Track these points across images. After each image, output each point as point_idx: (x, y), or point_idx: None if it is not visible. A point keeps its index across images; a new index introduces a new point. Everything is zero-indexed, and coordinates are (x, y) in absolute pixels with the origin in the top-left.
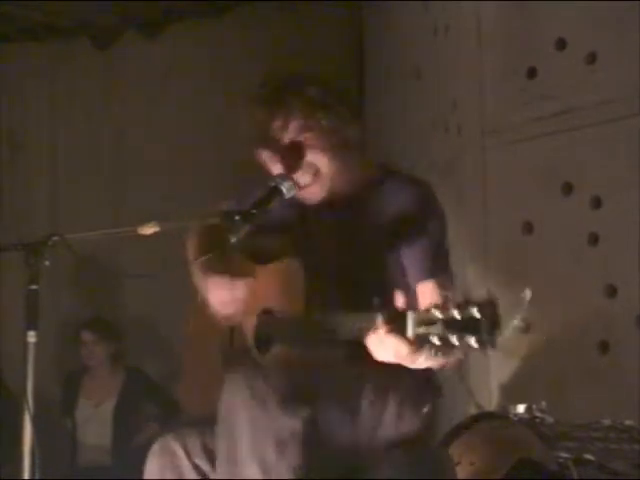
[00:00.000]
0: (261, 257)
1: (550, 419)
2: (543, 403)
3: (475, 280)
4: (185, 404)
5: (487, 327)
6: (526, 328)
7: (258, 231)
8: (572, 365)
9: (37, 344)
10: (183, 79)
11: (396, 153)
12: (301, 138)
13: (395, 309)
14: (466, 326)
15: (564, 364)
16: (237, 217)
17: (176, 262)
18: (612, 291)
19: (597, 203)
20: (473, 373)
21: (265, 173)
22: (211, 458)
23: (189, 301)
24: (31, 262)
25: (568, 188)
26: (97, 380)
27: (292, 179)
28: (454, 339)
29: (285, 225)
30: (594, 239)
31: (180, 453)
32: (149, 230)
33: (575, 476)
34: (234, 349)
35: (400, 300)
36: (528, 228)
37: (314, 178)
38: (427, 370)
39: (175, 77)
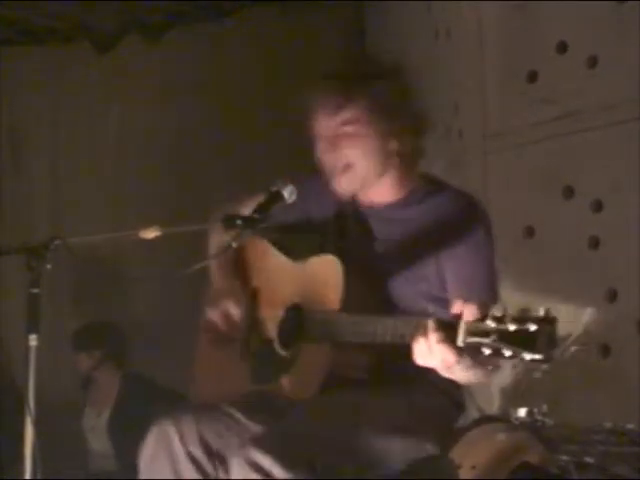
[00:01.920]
0: (293, 250)
1: (551, 422)
2: (544, 406)
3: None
4: (197, 392)
5: (544, 343)
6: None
7: (287, 220)
8: (573, 368)
9: (38, 347)
10: (184, 82)
11: None
12: (348, 129)
13: (447, 317)
14: (522, 340)
15: (565, 368)
16: (239, 221)
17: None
18: (613, 295)
19: (598, 207)
20: None
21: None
22: (206, 448)
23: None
24: (33, 265)
25: (569, 192)
26: (99, 388)
27: (293, 183)
28: (507, 352)
29: (324, 222)
30: (595, 243)
31: (175, 440)
32: (151, 234)
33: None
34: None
35: (455, 309)
36: (529, 232)
37: (345, 171)
38: (454, 387)
39: (176, 80)
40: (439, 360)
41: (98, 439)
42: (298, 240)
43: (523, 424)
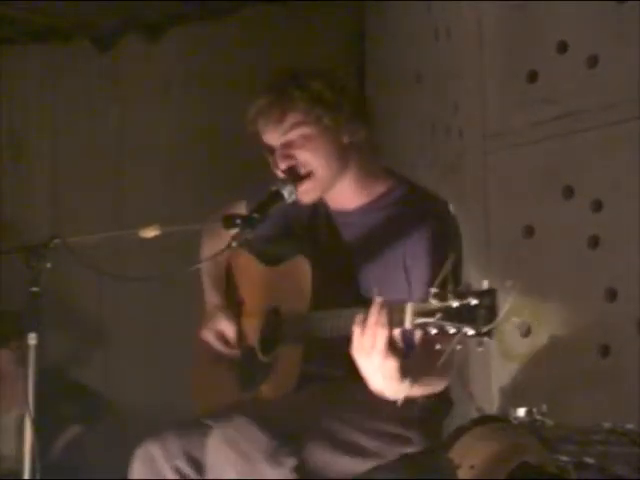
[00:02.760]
0: (272, 258)
1: (550, 422)
2: (544, 406)
3: (476, 284)
4: (195, 405)
5: (485, 316)
6: (526, 332)
7: (270, 232)
8: (572, 369)
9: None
10: (185, 81)
11: (396, 156)
12: (297, 134)
13: (392, 301)
14: (464, 316)
15: (564, 367)
16: (238, 221)
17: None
18: (613, 295)
19: (598, 206)
20: (474, 376)
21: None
22: (192, 460)
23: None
24: (32, 264)
25: (569, 191)
26: (5, 386)
27: (294, 183)
28: (451, 329)
29: (296, 226)
30: (595, 242)
31: (159, 457)
32: (151, 233)
33: None
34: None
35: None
36: (529, 231)
37: (307, 177)
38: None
39: (177, 79)
40: (380, 352)
41: (6, 440)
42: (278, 248)
43: (522, 424)
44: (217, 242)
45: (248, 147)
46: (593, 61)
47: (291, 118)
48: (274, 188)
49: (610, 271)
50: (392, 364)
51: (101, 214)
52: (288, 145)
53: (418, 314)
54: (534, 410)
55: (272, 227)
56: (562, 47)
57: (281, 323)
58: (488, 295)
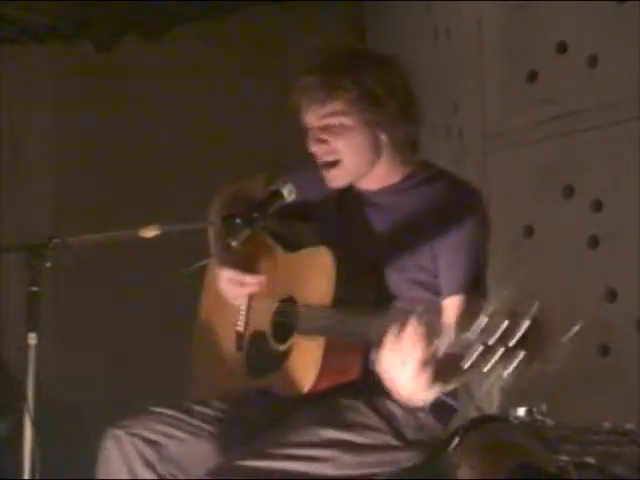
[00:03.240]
0: (292, 243)
1: (550, 422)
2: (543, 406)
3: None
4: (196, 390)
5: (521, 366)
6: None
7: (292, 216)
8: (572, 368)
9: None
10: (185, 81)
11: None
12: (335, 121)
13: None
14: (500, 358)
15: (564, 367)
16: (238, 220)
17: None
18: (612, 294)
19: (598, 206)
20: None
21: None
22: (156, 449)
23: None
24: (32, 264)
25: (569, 191)
26: None
27: (293, 183)
28: (484, 367)
29: (323, 211)
30: (595, 242)
31: (127, 443)
32: (151, 233)
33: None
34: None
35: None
36: (529, 231)
37: (333, 165)
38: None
39: (177, 79)
40: (413, 365)
41: None
42: (297, 230)
43: (522, 424)
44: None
45: (250, 146)
46: (593, 61)
47: (334, 104)
48: (274, 187)
49: (610, 271)
50: (424, 378)
51: (102, 215)
52: (324, 129)
53: (453, 344)
54: (534, 410)
55: (290, 205)
56: (562, 47)
57: (297, 313)
58: (534, 328)
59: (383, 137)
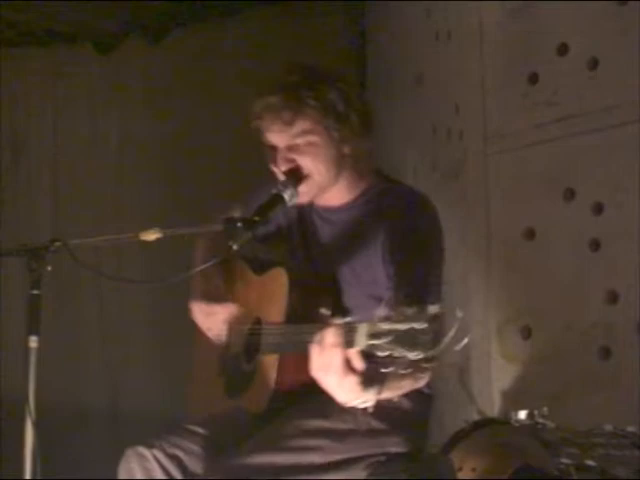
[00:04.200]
0: (259, 265)
1: (551, 425)
2: (544, 409)
3: (477, 286)
4: (189, 407)
5: (428, 341)
6: (527, 334)
7: (260, 239)
8: (573, 371)
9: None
10: (186, 83)
11: (397, 159)
12: (303, 140)
13: (348, 321)
14: (409, 340)
15: (565, 370)
16: (239, 224)
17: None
18: (614, 297)
19: (599, 209)
20: (475, 379)
21: (271, 174)
22: (180, 465)
23: None
24: (33, 267)
25: (570, 194)
26: None
27: (294, 187)
28: (397, 353)
29: (284, 232)
30: (596, 245)
31: (150, 457)
32: (151, 236)
33: None
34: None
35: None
36: (530, 234)
37: (303, 180)
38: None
39: (178, 81)
40: (336, 371)
41: None
42: (266, 254)
43: (523, 426)
44: (207, 251)
45: (250, 148)
46: (594, 63)
47: (301, 124)
48: (275, 191)
49: (611, 273)
50: (351, 380)
51: (102, 217)
52: (291, 148)
53: (370, 336)
54: (535, 412)
55: (265, 229)
56: (563, 49)
57: (261, 333)
58: (435, 320)
59: (347, 151)
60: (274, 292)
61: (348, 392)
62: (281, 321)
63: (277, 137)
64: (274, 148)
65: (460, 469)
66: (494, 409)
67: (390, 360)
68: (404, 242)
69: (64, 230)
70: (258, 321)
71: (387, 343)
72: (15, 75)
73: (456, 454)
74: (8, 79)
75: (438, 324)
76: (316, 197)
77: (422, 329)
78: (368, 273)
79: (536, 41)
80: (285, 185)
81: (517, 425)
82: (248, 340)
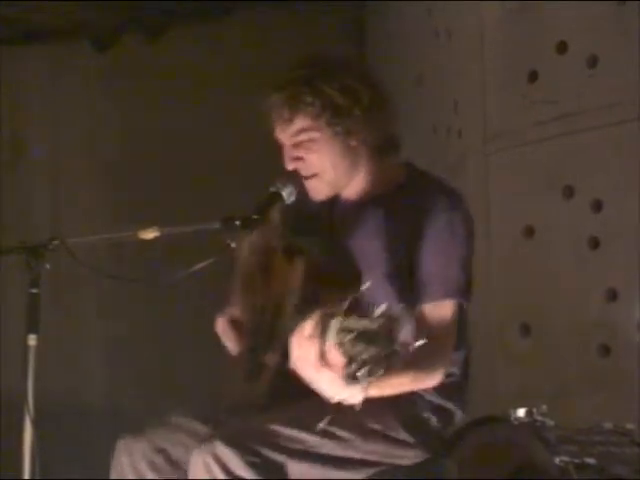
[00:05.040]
0: (290, 252)
1: (551, 423)
2: (544, 407)
3: (477, 284)
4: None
5: (389, 340)
6: (527, 332)
7: (293, 228)
8: (573, 369)
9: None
10: (185, 81)
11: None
12: (304, 137)
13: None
14: (367, 338)
15: (565, 368)
16: (237, 222)
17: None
18: (613, 295)
19: (598, 207)
20: (474, 377)
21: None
22: (168, 458)
23: None
24: (32, 265)
25: (569, 192)
26: None
27: (293, 184)
28: (356, 349)
29: (318, 221)
30: (595, 243)
31: (136, 451)
32: (150, 235)
33: None
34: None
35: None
36: (529, 231)
37: (312, 178)
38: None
39: (177, 79)
40: (311, 365)
41: None
42: (301, 241)
43: (523, 424)
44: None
45: (249, 145)
46: (593, 61)
47: (300, 122)
48: (273, 189)
49: (610, 271)
50: (327, 375)
51: (101, 214)
52: (296, 146)
53: (339, 331)
54: (534, 410)
55: (296, 217)
56: (562, 47)
57: (276, 321)
58: (402, 319)
59: (354, 143)
60: (290, 282)
61: (328, 386)
62: (294, 309)
63: (282, 135)
64: (282, 146)
65: (459, 467)
66: (494, 407)
67: (358, 357)
68: (431, 237)
69: (63, 228)
70: (277, 310)
71: (352, 339)
72: (13, 72)
73: (455, 452)
74: (6, 76)
75: (403, 323)
76: (333, 191)
77: (385, 327)
78: (393, 268)
79: (535, 40)
80: (283, 183)
81: (516, 423)
82: (267, 329)
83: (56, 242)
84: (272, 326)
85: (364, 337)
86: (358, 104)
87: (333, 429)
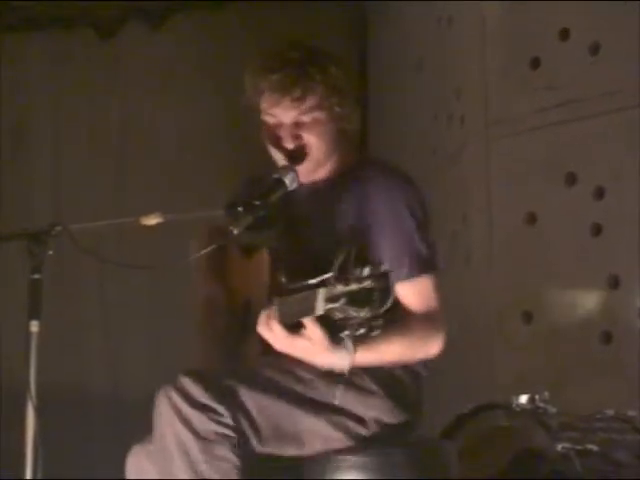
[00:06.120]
0: (250, 249)
1: (553, 409)
2: (546, 393)
3: (479, 271)
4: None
5: (379, 298)
6: (528, 319)
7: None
8: (575, 356)
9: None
10: (187, 69)
11: (399, 144)
12: (311, 117)
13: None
14: (362, 298)
15: (567, 355)
16: (240, 208)
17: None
18: (615, 282)
19: (600, 194)
20: (476, 363)
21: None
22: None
23: None
24: (34, 251)
25: (571, 179)
26: None
27: (295, 170)
28: (352, 312)
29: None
30: (597, 230)
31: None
32: (152, 221)
33: (578, 466)
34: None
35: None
36: (531, 218)
37: (305, 157)
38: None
39: (179, 67)
40: (283, 339)
41: None
42: (255, 238)
43: (525, 411)
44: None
45: (251, 135)
46: (595, 48)
47: (311, 100)
48: (276, 176)
49: (612, 258)
50: (307, 345)
51: (103, 201)
52: (299, 125)
53: (327, 300)
54: (536, 397)
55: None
56: (564, 34)
57: (250, 316)
58: (382, 278)
59: (346, 128)
60: (259, 275)
61: (314, 355)
62: (265, 300)
63: (284, 114)
64: (277, 125)
65: (461, 453)
66: (495, 394)
67: (346, 321)
68: (384, 222)
69: (65, 215)
70: (247, 304)
71: (342, 305)
72: (16, 60)
73: (457, 439)
74: (9, 64)
75: (387, 282)
76: (311, 174)
77: (371, 288)
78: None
79: (538, 26)
80: (286, 169)
81: (518, 410)
82: (241, 324)
83: (58, 228)
84: (243, 324)
85: (354, 300)
86: (351, 87)
87: (296, 369)
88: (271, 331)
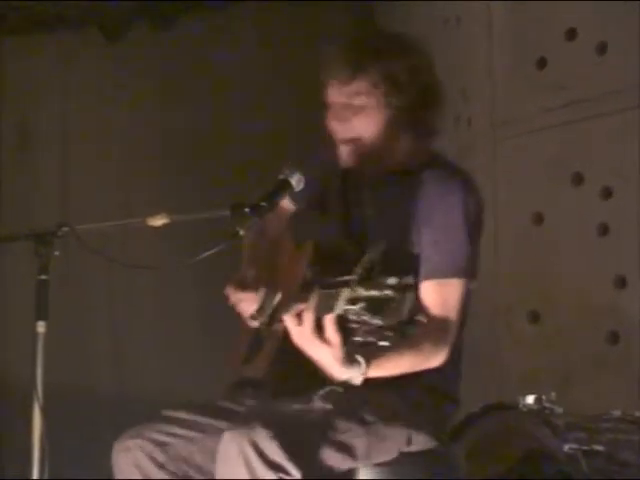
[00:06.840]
0: (299, 238)
1: (559, 410)
2: (553, 394)
3: (486, 271)
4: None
5: (396, 309)
6: (535, 319)
7: (304, 206)
8: (581, 356)
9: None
10: (194, 69)
11: None
12: (357, 101)
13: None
14: (377, 306)
15: (574, 354)
16: (246, 209)
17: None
18: (622, 282)
19: (607, 194)
20: (483, 363)
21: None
22: (165, 450)
23: None
24: (41, 252)
25: (578, 178)
26: None
27: (301, 171)
28: (365, 318)
29: (328, 197)
30: (604, 230)
31: (134, 447)
32: (159, 221)
33: (584, 467)
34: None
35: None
36: (538, 218)
37: (351, 142)
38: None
39: (186, 67)
40: (309, 340)
41: None
42: (305, 226)
43: (531, 411)
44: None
45: (260, 133)
46: (602, 48)
47: (358, 84)
48: (282, 177)
49: (619, 258)
50: (325, 351)
51: (110, 202)
52: (345, 107)
53: (348, 301)
54: (543, 397)
55: (310, 198)
56: (571, 34)
57: (281, 304)
58: (405, 289)
59: (402, 121)
60: (298, 266)
61: (329, 365)
62: (296, 291)
63: (334, 94)
64: (330, 106)
65: (467, 455)
66: (501, 393)
67: (358, 327)
68: (440, 216)
69: (72, 216)
70: (284, 293)
71: (359, 309)
72: (23, 61)
73: (464, 439)
74: (16, 65)
75: (407, 295)
76: (362, 161)
77: (391, 298)
78: (405, 247)
79: (544, 26)
80: (292, 170)
81: (525, 410)
82: (272, 312)
83: (65, 229)
84: (277, 308)
85: (371, 306)
86: (416, 84)
87: (362, 414)
88: (300, 322)
